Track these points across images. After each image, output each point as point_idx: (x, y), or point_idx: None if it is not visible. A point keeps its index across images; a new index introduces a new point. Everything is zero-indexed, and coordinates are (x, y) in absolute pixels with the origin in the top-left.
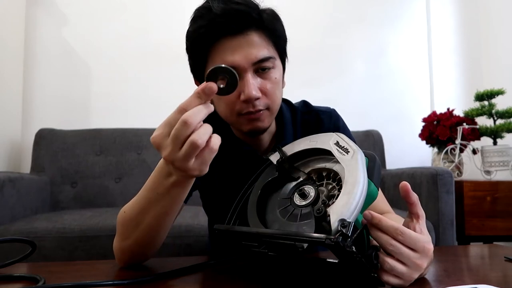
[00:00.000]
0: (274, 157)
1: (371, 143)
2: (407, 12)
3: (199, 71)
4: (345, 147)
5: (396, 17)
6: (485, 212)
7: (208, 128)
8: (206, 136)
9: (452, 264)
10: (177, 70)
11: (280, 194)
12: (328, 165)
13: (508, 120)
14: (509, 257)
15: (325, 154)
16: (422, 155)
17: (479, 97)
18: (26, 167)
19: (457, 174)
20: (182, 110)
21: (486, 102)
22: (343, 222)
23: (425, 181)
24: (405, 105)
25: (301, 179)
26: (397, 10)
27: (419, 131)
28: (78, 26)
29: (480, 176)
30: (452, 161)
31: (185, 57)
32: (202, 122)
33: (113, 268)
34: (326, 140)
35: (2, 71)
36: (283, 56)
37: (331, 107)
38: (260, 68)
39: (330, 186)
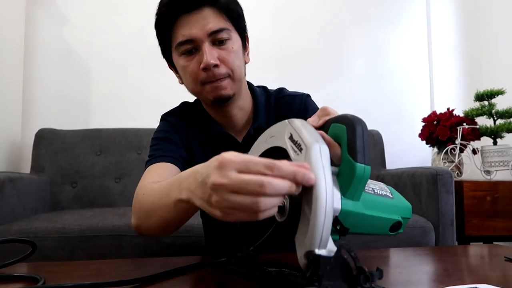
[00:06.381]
0: None
1: (371, 143)
2: (407, 12)
3: (167, 53)
4: (298, 142)
5: (396, 17)
6: (485, 212)
7: (276, 202)
8: (271, 205)
9: (452, 264)
10: None
11: None
12: (292, 155)
13: (508, 120)
14: (509, 257)
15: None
16: (422, 155)
17: (479, 97)
18: (26, 167)
19: (457, 174)
20: (270, 167)
21: (486, 102)
22: (308, 256)
23: (425, 181)
24: (405, 105)
25: None
26: (397, 10)
27: (419, 131)
28: (78, 26)
29: (480, 176)
30: (452, 161)
31: None
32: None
33: (113, 268)
34: (281, 134)
35: (2, 71)
36: (241, 32)
37: (306, 93)
38: (217, 40)
39: None
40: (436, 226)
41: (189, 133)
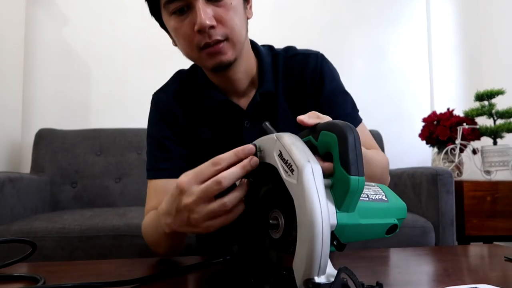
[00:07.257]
0: None
1: None
2: (407, 12)
3: (155, 11)
4: (288, 162)
5: (396, 17)
6: (485, 212)
7: (239, 193)
8: (236, 200)
9: (452, 264)
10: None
11: (256, 206)
12: (284, 175)
13: (508, 120)
14: (509, 257)
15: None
16: (422, 155)
17: (479, 97)
18: (26, 167)
19: (457, 174)
20: (216, 163)
21: (486, 102)
22: (308, 285)
23: (425, 181)
24: (405, 105)
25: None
26: (397, 10)
27: (419, 131)
28: (78, 26)
29: (480, 176)
30: (452, 161)
31: (185, 58)
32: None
33: (113, 268)
34: (270, 150)
35: (2, 71)
36: None
37: (320, 52)
38: None
39: None
40: (436, 226)
41: (182, 115)
